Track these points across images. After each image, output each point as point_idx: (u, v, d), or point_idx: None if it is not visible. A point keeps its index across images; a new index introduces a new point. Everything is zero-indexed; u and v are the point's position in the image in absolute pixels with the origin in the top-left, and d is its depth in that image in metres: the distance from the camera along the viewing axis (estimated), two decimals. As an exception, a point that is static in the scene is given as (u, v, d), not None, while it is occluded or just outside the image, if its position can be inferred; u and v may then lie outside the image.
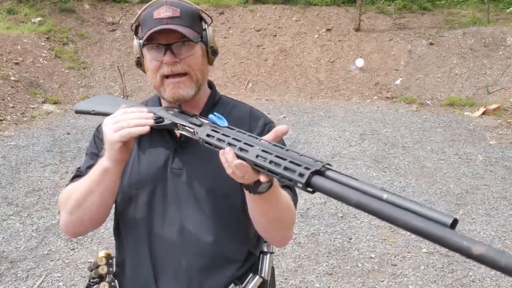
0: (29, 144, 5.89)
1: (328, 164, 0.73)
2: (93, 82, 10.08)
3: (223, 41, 11.24)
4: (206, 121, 0.94)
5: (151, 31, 0.97)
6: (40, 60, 9.63)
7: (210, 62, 1.10)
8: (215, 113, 0.93)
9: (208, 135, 0.89)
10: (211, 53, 1.08)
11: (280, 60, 11.02)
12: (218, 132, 0.88)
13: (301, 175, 0.71)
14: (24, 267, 3.04)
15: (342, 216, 3.87)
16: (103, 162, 0.96)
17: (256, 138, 0.84)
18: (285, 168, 0.73)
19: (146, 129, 0.91)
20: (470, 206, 4.13)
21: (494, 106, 8.10)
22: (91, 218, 1.03)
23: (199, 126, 0.93)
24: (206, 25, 1.08)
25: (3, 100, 7.53)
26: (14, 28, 10.41)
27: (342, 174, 0.70)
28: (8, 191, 4.33)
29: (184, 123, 0.96)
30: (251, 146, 0.80)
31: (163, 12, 0.99)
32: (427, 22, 11.78)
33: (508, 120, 7.43)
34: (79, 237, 3.44)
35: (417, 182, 4.74)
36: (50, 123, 7.20)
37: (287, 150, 0.79)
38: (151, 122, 0.93)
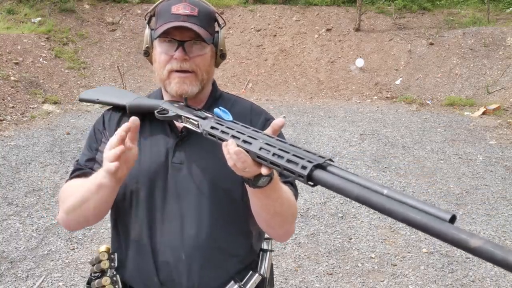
0: (29, 144, 5.89)
1: (331, 160, 0.74)
2: (93, 82, 10.08)
3: (223, 41, 11.23)
4: (211, 115, 0.95)
5: (168, 26, 0.98)
6: (40, 60, 9.63)
7: (217, 65, 1.11)
8: (220, 107, 0.94)
9: (212, 127, 0.90)
10: (219, 56, 1.09)
11: (280, 60, 11.02)
12: (222, 125, 0.89)
13: (303, 167, 0.72)
14: (24, 267, 3.04)
15: (342, 216, 3.87)
16: (100, 177, 0.95)
17: (260, 132, 0.85)
18: (288, 161, 0.74)
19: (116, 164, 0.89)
20: (470, 206, 4.13)
21: (494, 106, 8.10)
22: (87, 220, 1.06)
23: (204, 119, 0.94)
24: (219, 27, 1.09)
25: (3, 100, 7.52)
26: (14, 28, 10.40)
27: (344, 169, 0.71)
28: (8, 191, 4.33)
29: (188, 116, 0.97)
30: (255, 139, 0.81)
31: (182, 9, 1.00)
32: (427, 22, 11.78)
33: (508, 120, 7.43)
34: (79, 238, 3.45)
35: (417, 182, 4.74)
36: (50, 123, 7.20)
37: (290, 144, 0.79)
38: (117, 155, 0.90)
